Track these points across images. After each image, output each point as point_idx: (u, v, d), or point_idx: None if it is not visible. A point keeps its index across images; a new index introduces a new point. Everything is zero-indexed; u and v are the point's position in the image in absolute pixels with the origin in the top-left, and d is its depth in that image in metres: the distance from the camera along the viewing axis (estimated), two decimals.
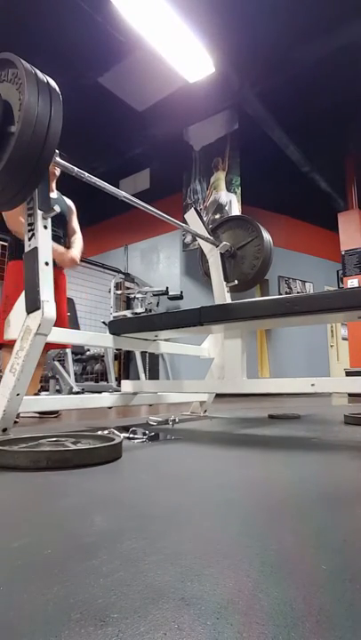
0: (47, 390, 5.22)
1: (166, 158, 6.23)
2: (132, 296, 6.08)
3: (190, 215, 2.54)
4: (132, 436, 1.56)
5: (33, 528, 0.65)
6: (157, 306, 5.92)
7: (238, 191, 5.58)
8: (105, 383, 5.38)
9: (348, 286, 6.26)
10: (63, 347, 3.69)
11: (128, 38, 4.14)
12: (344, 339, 7.91)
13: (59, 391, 4.83)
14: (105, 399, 2.21)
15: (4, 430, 1.33)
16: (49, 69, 1.35)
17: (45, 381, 5.52)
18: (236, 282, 2.57)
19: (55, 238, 2.62)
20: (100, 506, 0.77)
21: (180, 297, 5.78)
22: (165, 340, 2.44)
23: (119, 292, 6.15)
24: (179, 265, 6.37)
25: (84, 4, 3.81)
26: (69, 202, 2.91)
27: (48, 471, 1.02)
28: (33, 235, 1.38)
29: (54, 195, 2.70)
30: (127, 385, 2.20)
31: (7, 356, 2.49)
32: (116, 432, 1.44)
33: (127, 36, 4.10)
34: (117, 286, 6.10)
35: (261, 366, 7.24)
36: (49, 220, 1.41)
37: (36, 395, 2.57)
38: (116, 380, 5.37)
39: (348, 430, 1.89)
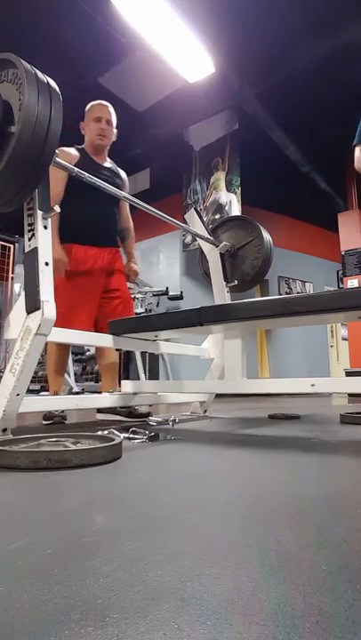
0: (47, 390, 5.22)
1: (166, 158, 6.22)
2: (132, 296, 6.08)
3: (190, 215, 2.54)
4: (132, 436, 1.56)
5: (33, 528, 0.65)
6: (157, 306, 5.91)
7: (238, 191, 5.58)
8: None
9: (348, 286, 6.26)
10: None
11: (128, 38, 4.14)
12: (344, 339, 7.91)
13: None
14: (105, 399, 2.20)
15: (4, 430, 1.33)
16: (49, 69, 1.35)
17: (45, 381, 5.52)
18: (236, 282, 2.57)
19: (111, 219, 2.47)
20: (100, 506, 0.77)
21: (180, 297, 5.78)
22: (165, 340, 2.44)
23: None
24: (179, 265, 6.37)
25: (84, 4, 3.80)
26: (123, 174, 2.60)
27: (48, 471, 1.02)
28: (33, 235, 1.38)
29: (108, 164, 2.52)
30: (127, 385, 2.20)
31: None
32: (116, 432, 1.44)
33: (127, 36, 4.10)
34: None
35: (261, 366, 7.24)
36: (49, 220, 1.41)
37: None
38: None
39: (347, 430, 1.89)
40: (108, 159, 2.54)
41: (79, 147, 2.43)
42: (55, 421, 2.19)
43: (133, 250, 2.67)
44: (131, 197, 1.91)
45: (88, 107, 2.47)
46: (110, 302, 2.44)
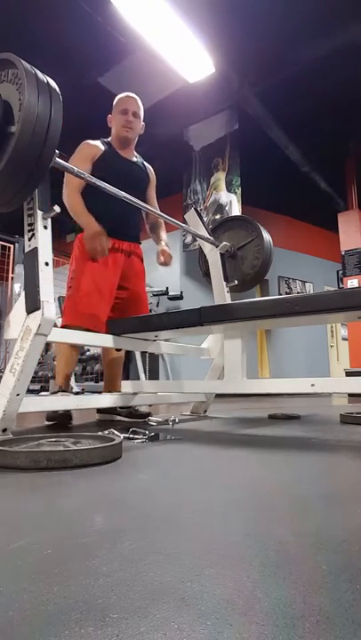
0: (47, 390, 5.23)
1: (166, 158, 6.20)
2: None
3: (190, 215, 2.54)
4: (132, 436, 1.56)
5: (33, 528, 0.65)
6: (157, 306, 5.91)
7: (238, 191, 5.58)
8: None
9: (348, 286, 6.26)
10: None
11: (128, 38, 4.14)
12: (344, 339, 7.91)
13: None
14: (105, 399, 2.20)
15: (4, 430, 1.33)
16: (49, 69, 1.35)
17: (45, 381, 5.53)
18: (236, 282, 2.57)
19: (132, 214, 2.38)
20: (100, 506, 0.77)
21: (180, 297, 5.78)
22: (165, 340, 2.44)
23: None
24: (179, 265, 6.36)
25: (84, 4, 3.81)
26: (150, 170, 2.55)
27: (48, 471, 1.02)
28: (33, 235, 1.38)
29: (135, 158, 2.46)
30: (127, 385, 2.20)
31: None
32: (116, 432, 1.44)
33: (127, 36, 4.10)
34: None
35: (261, 366, 7.24)
36: (49, 220, 1.41)
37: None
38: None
39: (346, 430, 1.89)
40: (135, 153, 2.48)
41: (105, 140, 2.39)
42: (60, 423, 2.05)
43: (165, 235, 2.58)
44: (131, 197, 1.91)
45: (116, 100, 2.44)
46: (122, 298, 2.37)
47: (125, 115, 2.38)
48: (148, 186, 2.53)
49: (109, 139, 2.41)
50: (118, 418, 2.37)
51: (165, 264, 2.46)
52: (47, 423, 2.10)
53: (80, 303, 2.17)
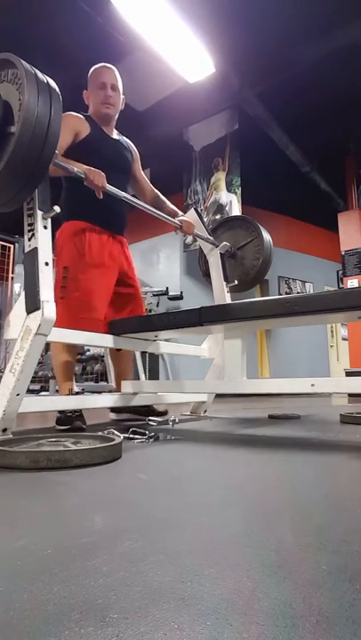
0: (47, 390, 5.23)
1: (166, 158, 6.22)
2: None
3: (190, 215, 2.54)
4: (132, 436, 1.56)
5: (33, 528, 0.65)
6: (157, 306, 5.91)
7: (238, 191, 5.58)
8: (105, 383, 5.38)
9: (348, 286, 6.26)
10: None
11: (128, 38, 4.14)
12: (344, 339, 7.91)
13: (58, 391, 4.82)
14: (105, 399, 2.20)
15: (4, 430, 1.33)
16: (49, 69, 1.35)
17: (45, 381, 5.52)
18: (236, 282, 2.57)
19: (121, 201, 2.06)
20: (100, 506, 0.77)
21: (180, 297, 5.78)
22: (165, 340, 2.44)
23: None
24: (179, 265, 6.37)
25: (84, 4, 3.80)
26: (133, 147, 2.35)
27: (48, 471, 1.02)
28: (33, 235, 1.38)
29: (116, 135, 2.26)
30: (127, 385, 2.20)
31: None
32: (116, 432, 1.44)
33: (127, 36, 4.10)
34: None
35: (261, 366, 7.24)
36: (49, 220, 1.41)
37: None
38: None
39: (346, 430, 1.89)
40: (115, 130, 2.27)
41: (85, 114, 2.15)
42: (74, 427, 1.83)
43: (172, 205, 2.40)
44: (130, 197, 1.91)
45: (91, 71, 2.21)
46: (122, 297, 2.25)
47: (104, 89, 2.14)
48: (134, 163, 2.34)
49: (89, 114, 2.19)
50: (135, 417, 2.32)
51: (190, 233, 2.28)
52: (58, 428, 1.88)
53: (80, 306, 1.99)
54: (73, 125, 2.02)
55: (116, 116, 2.23)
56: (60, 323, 1.79)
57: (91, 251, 2.08)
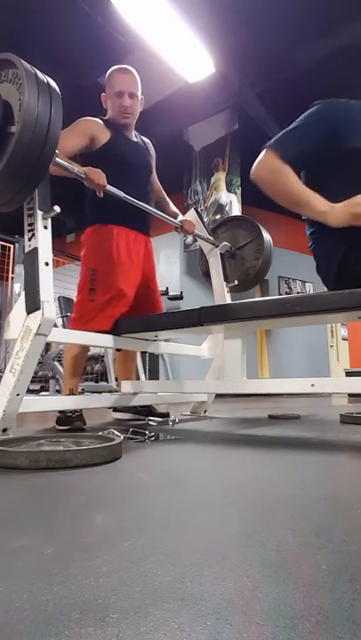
0: (47, 390, 5.23)
1: (166, 158, 6.20)
2: None
3: (190, 215, 2.54)
4: (132, 436, 1.56)
5: (33, 528, 0.65)
6: None
7: (238, 191, 5.58)
8: (105, 383, 5.38)
9: None
10: None
11: (128, 38, 4.14)
12: (344, 339, 7.92)
13: (58, 391, 4.83)
14: (105, 399, 2.20)
15: (4, 430, 1.33)
16: (49, 69, 1.35)
17: (45, 381, 5.52)
18: (236, 282, 2.57)
19: (143, 194, 2.16)
20: (100, 506, 0.77)
21: (180, 297, 5.78)
22: (165, 340, 2.44)
23: None
24: (179, 265, 6.37)
25: (84, 4, 3.81)
26: (152, 148, 2.38)
27: (48, 471, 1.02)
28: (33, 235, 1.38)
29: (135, 138, 2.27)
30: (127, 385, 2.20)
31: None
32: (116, 432, 1.44)
33: (127, 36, 4.10)
34: None
35: (261, 366, 7.24)
36: (49, 220, 1.41)
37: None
38: (116, 380, 5.36)
39: (346, 430, 1.89)
40: (134, 131, 2.27)
41: (105, 118, 2.15)
42: (74, 427, 1.85)
43: (175, 207, 2.43)
44: (131, 198, 1.91)
45: (107, 74, 2.15)
46: (147, 296, 2.26)
47: (121, 98, 2.10)
48: (153, 163, 2.35)
49: (108, 117, 2.17)
50: (136, 417, 2.34)
51: (191, 232, 2.29)
52: (58, 428, 1.91)
53: (110, 306, 2.03)
54: (88, 130, 2.03)
55: (135, 120, 2.23)
56: (89, 323, 1.98)
57: (118, 252, 2.10)
